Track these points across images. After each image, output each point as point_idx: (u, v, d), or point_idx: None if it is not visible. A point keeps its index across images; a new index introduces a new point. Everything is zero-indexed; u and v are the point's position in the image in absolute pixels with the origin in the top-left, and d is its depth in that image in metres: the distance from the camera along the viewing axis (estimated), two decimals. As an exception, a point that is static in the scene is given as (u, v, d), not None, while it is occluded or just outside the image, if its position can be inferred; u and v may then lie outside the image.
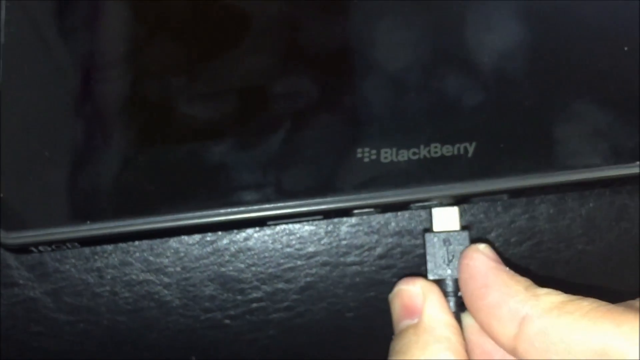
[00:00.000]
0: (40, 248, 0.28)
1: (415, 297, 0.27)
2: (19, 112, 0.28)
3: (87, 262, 0.32)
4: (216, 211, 0.27)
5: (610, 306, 0.23)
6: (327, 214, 0.28)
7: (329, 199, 0.27)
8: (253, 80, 0.28)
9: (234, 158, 0.28)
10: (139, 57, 0.29)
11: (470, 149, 0.27)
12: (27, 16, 0.29)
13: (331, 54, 0.28)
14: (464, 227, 0.28)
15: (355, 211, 0.28)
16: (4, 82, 0.28)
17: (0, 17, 0.29)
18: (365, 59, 0.28)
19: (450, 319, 0.26)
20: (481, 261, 0.26)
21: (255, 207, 0.27)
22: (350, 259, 0.33)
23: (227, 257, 0.33)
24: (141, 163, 0.28)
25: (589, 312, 0.23)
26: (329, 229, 0.33)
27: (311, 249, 0.33)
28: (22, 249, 0.28)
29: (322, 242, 0.33)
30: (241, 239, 0.33)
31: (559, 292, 0.24)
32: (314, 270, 0.33)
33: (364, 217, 0.32)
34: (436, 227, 0.28)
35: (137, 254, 0.32)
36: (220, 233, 0.32)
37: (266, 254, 0.33)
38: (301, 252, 0.33)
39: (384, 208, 0.28)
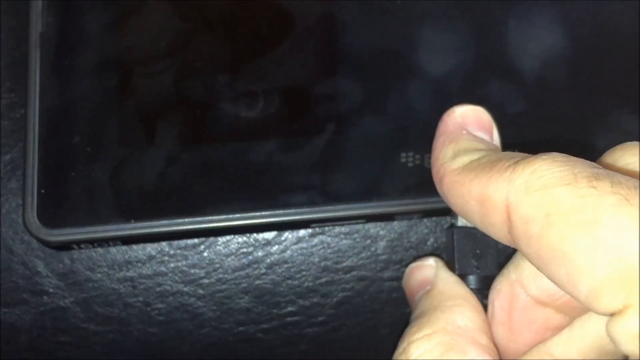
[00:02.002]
0: (82, 246, 0.29)
1: (428, 269, 0.27)
2: (59, 105, 0.28)
3: (120, 272, 0.32)
4: (261, 213, 0.28)
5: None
6: (370, 219, 0.29)
7: (372, 204, 0.28)
8: (299, 82, 0.29)
9: (279, 160, 0.28)
10: (184, 54, 0.29)
11: None
12: (67, 5, 0.28)
13: (378, 56, 0.29)
14: None
15: (398, 216, 0.29)
16: (42, 73, 0.28)
17: (38, 5, 0.28)
18: (413, 61, 0.29)
19: (463, 282, 0.26)
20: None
21: (300, 210, 0.28)
22: (387, 274, 0.33)
23: (263, 270, 0.32)
24: (187, 162, 0.28)
25: None
26: (367, 243, 0.32)
27: (348, 263, 0.32)
28: (62, 247, 0.29)
29: (360, 256, 0.32)
30: (277, 252, 0.32)
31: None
32: (350, 285, 0.33)
33: (403, 232, 0.32)
34: (461, 222, 0.28)
35: (172, 264, 0.32)
36: (257, 245, 0.32)
37: (303, 267, 0.32)
38: (338, 266, 0.32)
39: (426, 214, 0.29)
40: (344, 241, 0.32)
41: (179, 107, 0.28)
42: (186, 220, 0.28)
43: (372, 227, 0.32)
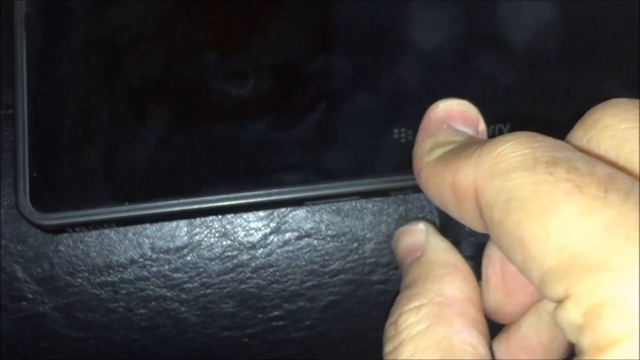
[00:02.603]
0: (77, 229, 0.29)
1: (418, 233, 0.26)
2: (47, 88, 0.28)
3: (101, 276, 0.31)
4: (255, 192, 0.28)
5: None
6: (364, 195, 0.29)
7: (366, 180, 0.28)
8: (289, 59, 0.29)
9: (271, 138, 0.28)
10: (173, 33, 0.29)
11: (505, 130, 0.27)
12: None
13: (369, 31, 0.29)
14: None
15: (393, 192, 0.29)
16: (29, 55, 0.27)
17: None
18: (405, 36, 0.29)
19: (455, 251, 0.25)
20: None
21: (294, 189, 0.28)
22: (375, 277, 0.32)
23: (247, 274, 0.32)
24: (179, 143, 0.28)
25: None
26: (354, 246, 0.32)
27: (335, 266, 0.32)
28: (56, 230, 0.29)
29: (347, 259, 0.32)
30: (263, 255, 0.32)
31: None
32: (337, 289, 0.32)
33: (391, 234, 0.32)
34: None
35: (154, 269, 0.31)
36: (241, 248, 0.31)
37: (288, 271, 0.32)
38: (325, 270, 0.32)
39: (420, 189, 0.28)
40: (331, 244, 0.32)
41: (169, 87, 0.28)
42: (180, 201, 0.28)
43: (360, 230, 0.32)
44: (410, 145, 0.26)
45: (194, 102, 0.28)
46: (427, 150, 0.24)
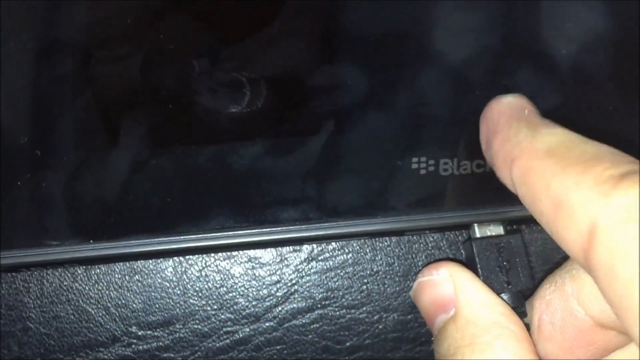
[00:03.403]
0: (32, 269, 0.26)
1: (444, 285, 0.22)
2: (3, 96, 0.24)
3: (76, 358, 0.27)
4: (245, 231, 0.24)
5: None
6: (375, 235, 0.26)
7: (377, 220, 0.24)
8: (291, 71, 0.25)
9: (267, 165, 0.24)
10: (155, 35, 0.25)
11: None
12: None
13: (385, 42, 0.25)
14: (511, 231, 0.24)
15: (408, 232, 0.25)
16: None
17: None
18: (427, 49, 0.25)
19: (493, 299, 0.21)
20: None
21: (291, 227, 0.24)
22: (399, 354, 0.27)
23: (250, 352, 0.27)
24: (156, 168, 0.24)
25: None
26: (375, 318, 0.28)
27: (353, 342, 0.28)
28: (9, 270, 0.26)
29: (366, 335, 0.27)
30: (268, 330, 0.27)
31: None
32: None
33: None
34: (480, 232, 0.24)
35: (140, 347, 0.27)
36: (242, 322, 0.27)
37: (298, 349, 0.28)
38: (340, 347, 0.28)
39: (440, 229, 0.26)
40: (347, 316, 0.27)
41: (147, 102, 0.24)
42: (155, 240, 0.23)
43: (382, 298, 0.27)
44: (431, 178, 0.23)
45: (175, 121, 0.24)
46: (527, 134, 0.20)
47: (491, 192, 0.23)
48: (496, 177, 0.22)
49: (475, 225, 0.23)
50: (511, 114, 0.21)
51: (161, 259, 0.27)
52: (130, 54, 0.24)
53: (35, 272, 0.27)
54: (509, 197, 0.22)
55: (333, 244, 0.28)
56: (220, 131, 0.24)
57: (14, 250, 0.23)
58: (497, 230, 0.23)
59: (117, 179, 0.24)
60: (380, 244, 0.28)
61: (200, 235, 0.23)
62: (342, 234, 0.24)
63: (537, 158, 0.19)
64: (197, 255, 0.27)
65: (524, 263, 0.23)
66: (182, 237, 0.23)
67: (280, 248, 0.28)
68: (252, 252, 0.28)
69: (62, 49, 0.24)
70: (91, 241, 0.23)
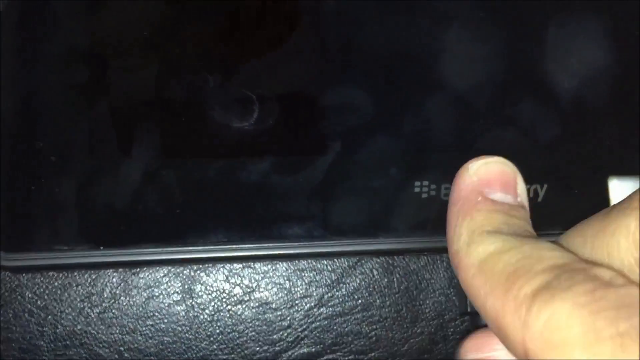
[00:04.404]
0: (42, 272, 0.26)
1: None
2: (19, 102, 0.25)
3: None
4: (248, 245, 0.25)
5: None
6: (376, 254, 0.26)
7: (378, 240, 0.25)
8: (301, 91, 0.26)
9: (274, 182, 0.25)
10: (170, 48, 0.26)
11: (541, 193, 0.25)
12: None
13: (392, 65, 0.26)
14: None
15: (407, 253, 0.26)
16: (2, 61, 0.25)
17: None
18: (433, 73, 0.26)
19: None
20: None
21: (296, 244, 0.25)
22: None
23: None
24: (167, 180, 0.25)
25: None
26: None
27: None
28: (19, 271, 0.26)
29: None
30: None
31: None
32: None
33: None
34: None
35: None
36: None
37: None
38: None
39: (440, 251, 0.26)
40: (357, 363, 0.28)
41: (160, 115, 0.25)
42: (163, 250, 0.24)
43: (391, 346, 0.28)
44: (432, 202, 0.24)
45: (187, 134, 0.25)
46: (464, 242, 0.21)
47: None
48: None
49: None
50: (462, 202, 0.22)
51: (174, 304, 0.28)
52: (146, 66, 0.25)
53: (49, 317, 0.28)
54: None
55: (342, 289, 0.28)
56: (230, 146, 0.25)
57: (25, 253, 0.24)
58: None
59: (128, 187, 0.25)
60: (389, 291, 0.29)
61: (206, 247, 0.24)
62: (345, 252, 0.25)
63: (471, 275, 0.20)
64: (208, 299, 0.28)
65: None
66: (188, 248, 0.24)
67: (291, 293, 0.28)
68: (263, 297, 0.28)
69: (79, 58, 0.25)
70: (101, 248, 0.24)
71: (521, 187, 0.23)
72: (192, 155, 0.25)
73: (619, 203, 0.19)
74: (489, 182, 0.22)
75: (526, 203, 0.23)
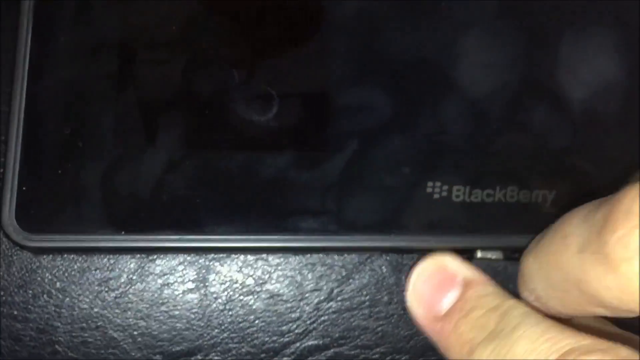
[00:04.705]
0: (64, 254, 0.27)
1: (447, 264, 0.23)
2: (49, 88, 0.26)
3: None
4: (267, 236, 0.26)
5: None
6: (387, 251, 0.27)
7: (389, 237, 0.26)
8: (320, 89, 0.27)
9: (291, 176, 0.26)
10: (196, 43, 0.27)
11: (549, 198, 0.26)
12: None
13: (410, 67, 0.27)
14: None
15: (417, 252, 0.26)
16: (33, 50, 0.26)
17: None
18: (451, 77, 0.27)
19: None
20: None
21: (311, 237, 0.26)
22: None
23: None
24: (189, 170, 0.26)
25: None
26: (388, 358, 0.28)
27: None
28: (41, 252, 0.27)
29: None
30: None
31: None
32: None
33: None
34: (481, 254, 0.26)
35: None
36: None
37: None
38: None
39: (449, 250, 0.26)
40: (362, 355, 0.29)
41: (184, 106, 0.26)
42: (182, 237, 0.25)
43: (396, 343, 0.29)
44: (443, 202, 0.25)
45: (210, 126, 0.26)
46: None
47: (497, 221, 0.25)
48: (503, 207, 0.24)
49: (479, 251, 0.25)
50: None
51: (187, 292, 0.29)
52: (173, 59, 0.26)
53: (67, 299, 0.29)
54: (514, 226, 0.24)
55: (352, 284, 0.29)
56: (250, 140, 0.26)
57: (49, 234, 0.25)
58: (497, 257, 0.25)
59: (150, 176, 0.25)
60: (397, 288, 0.30)
61: (223, 237, 0.25)
62: (356, 248, 0.26)
63: None
64: (222, 289, 0.29)
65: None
66: (206, 237, 0.25)
67: (302, 286, 0.29)
68: (274, 289, 0.29)
69: (109, 49, 0.26)
70: (122, 233, 0.25)
71: (454, 265, 0.23)
72: (213, 147, 0.26)
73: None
74: (431, 298, 0.23)
75: (472, 273, 0.23)
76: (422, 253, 0.26)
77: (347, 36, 0.27)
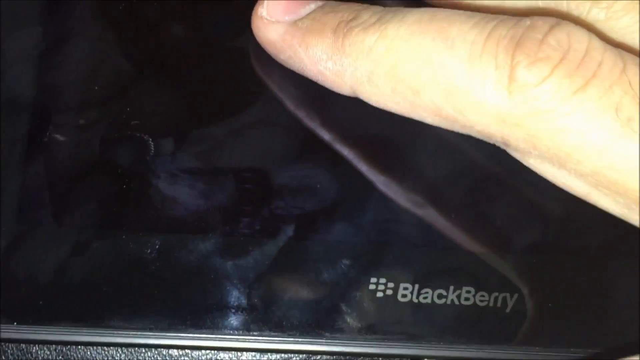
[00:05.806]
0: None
1: None
2: None
3: None
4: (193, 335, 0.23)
5: None
6: (318, 355, 0.24)
7: (322, 341, 0.23)
8: (257, 164, 0.25)
9: (211, 268, 0.23)
10: (118, 105, 0.24)
11: (510, 302, 0.23)
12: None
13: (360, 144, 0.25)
14: None
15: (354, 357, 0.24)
16: None
17: None
18: (406, 157, 0.25)
19: None
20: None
21: (227, 337, 0.23)
22: None
23: None
24: (99, 252, 0.23)
25: None
26: None
27: None
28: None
29: None
30: None
31: None
32: None
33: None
34: None
35: None
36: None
37: None
38: None
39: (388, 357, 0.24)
40: None
41: (101, 177, 0.23)
42: (83, 331, 0.23)
43: None
44: (388, 302, 0.23)
45: (127, 203, 0.24)
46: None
47: (449, 327, 0.23)
48: (456, 311, 0.22)
49: (425, 360, 0.23)
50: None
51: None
52: (92, 124, 0.24)
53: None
54: (468, 334, 0.22)
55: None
56: (172, 220, 0.23)
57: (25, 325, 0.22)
58: None
59: (54, 258, 0.23)
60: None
61: (130, 332, 0.22)
62: (283, 350, 0.23)
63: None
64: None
65: None
66: (111, 332, 0.23)
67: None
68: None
69: (21, 108, 0.24)
70: (14, 323, 0.22)
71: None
72: (130, 227, 0.23)
73: None
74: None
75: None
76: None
77: (291, 111, 0.25)
